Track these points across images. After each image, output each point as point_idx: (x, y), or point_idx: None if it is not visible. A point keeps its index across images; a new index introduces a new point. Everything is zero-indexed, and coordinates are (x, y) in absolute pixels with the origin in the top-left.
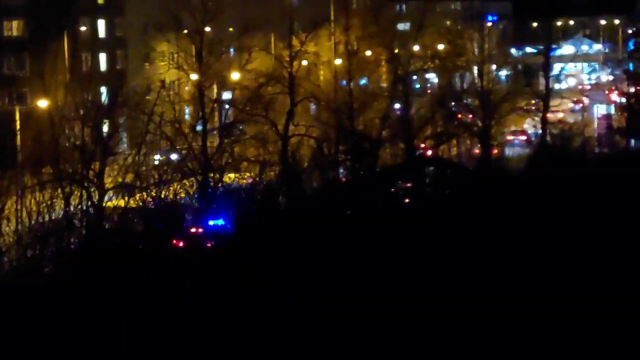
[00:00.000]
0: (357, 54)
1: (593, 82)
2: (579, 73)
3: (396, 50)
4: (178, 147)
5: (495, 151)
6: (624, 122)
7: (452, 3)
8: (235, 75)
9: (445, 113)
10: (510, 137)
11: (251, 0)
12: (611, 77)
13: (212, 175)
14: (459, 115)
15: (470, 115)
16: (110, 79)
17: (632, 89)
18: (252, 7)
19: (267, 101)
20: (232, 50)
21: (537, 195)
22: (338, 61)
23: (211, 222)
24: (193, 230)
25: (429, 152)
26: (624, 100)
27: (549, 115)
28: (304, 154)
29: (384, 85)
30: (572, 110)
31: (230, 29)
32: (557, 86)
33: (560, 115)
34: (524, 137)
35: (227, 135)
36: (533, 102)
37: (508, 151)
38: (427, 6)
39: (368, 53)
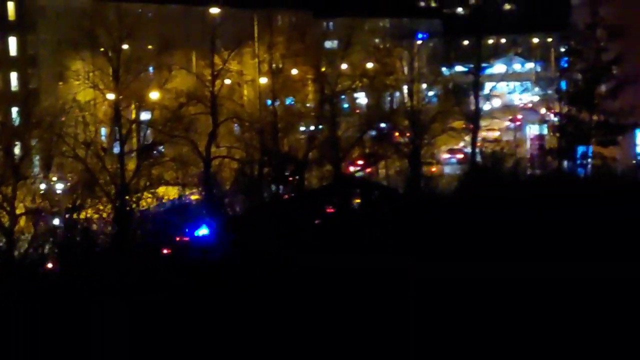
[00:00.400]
0: (282, 72)
1: (525, 101)
2: (504, 94)
3: (323, 69)
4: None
5: (434, 169)
6: (556, 142)
7: (381, 20)
8: (154, 95)
9: (374, 134)
10: (447, 156)
11: (171, 16)
12: (543, 97)
13: (128, 198)
14: (396, 134)
15: (397, 134)
16: (21, 98)
17: (565, 109)
18: (172, 23)
19: (188, 121)
20: (151, 68)
21: (461, 217)
22: (262, 80)
23: (198, 232)
24: (178, 239)
25: (358, 174)
26: (556, 120)
27: (484, 133)
28: (226, 176)
29: (311, 105)
30: (509, 129)
31: (149, 47)
32: (488, 106)
33: (497, 134)
34: (460, 156)
35: (145, 158)
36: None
37: (448, 169)
38: (355, 23)
39: (294, 72)
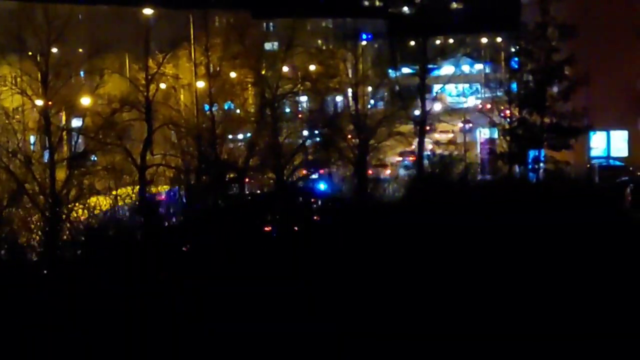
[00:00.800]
0: (219, 76)
1: (475, 104)
2: (445, 96)
3: (263, 72)
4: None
5: (389, 172)
6: (506, 147)
7: (323, 21)
8: (85, 101)
9: (318, 139)
10: (399, 158)
11: (102, 18)
12: (493, 99)
13: (59, 209)
14: (350, 136)
15: (350, 136)
16: None
17: (515, 112)
18: (104, 25)
19: (121, 128)
20: (81, 73)
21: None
22: (200, 84)
23: None
24: None
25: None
26: (507, 123)
27: (437, 135)
28: (161, 186)
29: (251, 109)
30: (462, 131)
31: (80, 50)
32: (436, 108)
33: (451, 135)
34: (412, 158)
35: (76, 166)
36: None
37: (403, 172)
38: (297, 24)
39: (232, 75)
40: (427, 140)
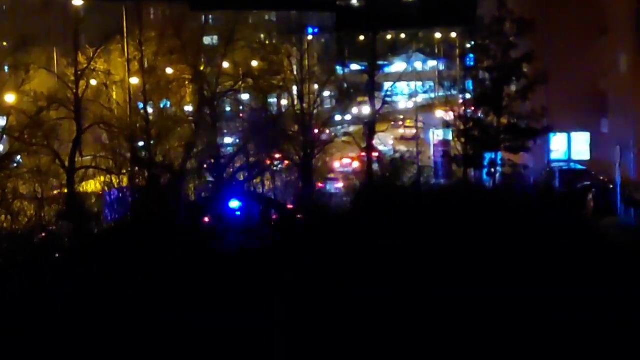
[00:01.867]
0: (155, 72)
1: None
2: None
3: (202, 68)
4: None
5: (340, 184)
6: (461, 149)
7: (266, 14)
8: (10, 98)
9: (261, 140)
10: (340, 168)
11: (28, 9)
12: (447, 98)
13: None
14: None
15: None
16: None
17: (470, 112)
18: (30, 17)
19: (48, 128)
20: (6, 68)
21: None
22: (133, 81)
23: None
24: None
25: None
26: (461, 124)
27: (401, 131)
28: (91, 189)
29: (188, 108)
30: (408, 137)
31: (4, 44)
32: (387, 108)
33: (414, 131)
34: (357, 164)
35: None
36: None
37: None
38: (238, 17)
39: (169, 71)
40: (388, 136)
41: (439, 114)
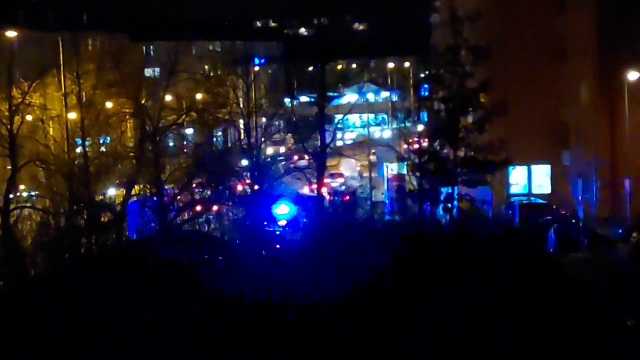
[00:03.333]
0: (93, 106)
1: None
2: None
3: (143, 102)
4: None
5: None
6: (416, 184)
7: (210, 44)
8: None
9: (206, 177)
10: (327, 181)
11: None
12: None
13: None
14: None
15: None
16: None
17: (425, 144)
18: None
19: None
20: None
21: None
22: (71, 116)
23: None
24: None
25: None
26: (416, 157)
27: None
28: (27, 230)
29: (130, 144)
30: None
31: None
32: (338, 142)
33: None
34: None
35: None
36: None
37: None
38: (180, 48)
39: (108, 105)
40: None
41: (393, 147)
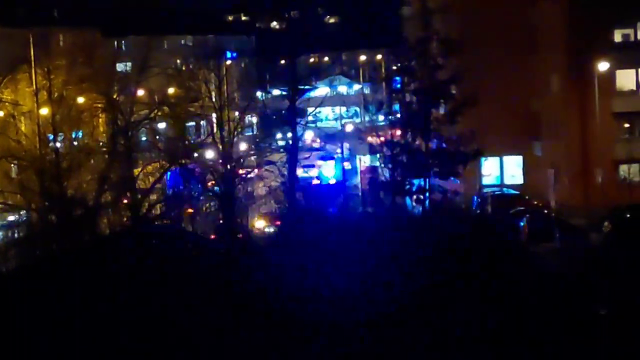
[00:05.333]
0: (65, 101)
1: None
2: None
3: (115, 96)
4: None
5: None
6: (388, 175)
7: (182, 38)
8: None
9: (178, 170)
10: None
11: None
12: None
13: None
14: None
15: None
16: None
17: (397, 136)
18: None
19: None
20: None
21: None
22: (42, 111)
23: None
24: None
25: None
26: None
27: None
28: None
29: (101, 139)
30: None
31: None
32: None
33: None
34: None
35: None
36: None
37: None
38: (152, 42)
39: (80, 100)
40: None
41: (366, 139)
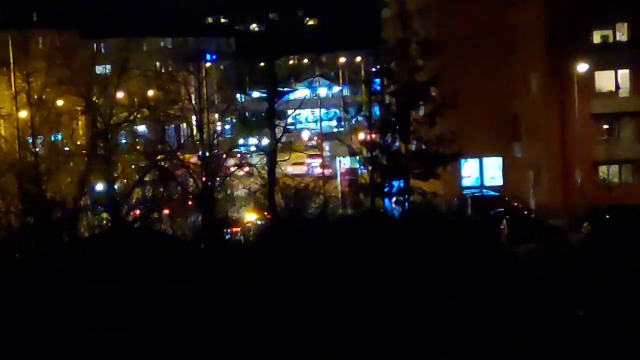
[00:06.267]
0: (44, 104)
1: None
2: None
3: (95, 99)
4: None
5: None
6: (368, 178)
7: (162, 40)
8: None
9: (158, 173)
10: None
11: None
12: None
13: None
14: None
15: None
16: None
17: (377, 138)
18: None
19: None
20: None
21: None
22: (22, 114)
23: None
24: None
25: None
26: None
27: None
28: None
29: (81, 142)
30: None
31: None
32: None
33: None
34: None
35: None
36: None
37: None
38: (131, 45)
39: (60, 103)
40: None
41: (345, 141)
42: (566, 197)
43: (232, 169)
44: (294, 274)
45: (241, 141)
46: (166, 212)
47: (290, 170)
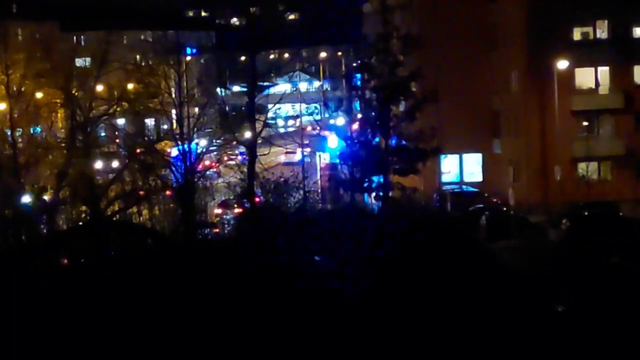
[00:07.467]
0: (22, 96)
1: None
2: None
3: (74, 91)
4: None
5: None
6: (348, 172)
7: (141, 33)
8: None
9: (137, 167)
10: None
11: None
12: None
13: None
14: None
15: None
16: None
17: (356, 133)
18: None
19: None
20: None
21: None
22: (1, 106)
23: None
24: None
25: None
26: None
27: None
28: None
29: (60, 134)
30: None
31: None
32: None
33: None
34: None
35: None
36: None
37: None
38: (111, 38)
39: (38, 95)
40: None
41: (325, 136)
42: (545, 193)
43: (212, 163)
44: (268, 266)
45: (221, 135)
46: (145, 205)
47: (283, 158)
